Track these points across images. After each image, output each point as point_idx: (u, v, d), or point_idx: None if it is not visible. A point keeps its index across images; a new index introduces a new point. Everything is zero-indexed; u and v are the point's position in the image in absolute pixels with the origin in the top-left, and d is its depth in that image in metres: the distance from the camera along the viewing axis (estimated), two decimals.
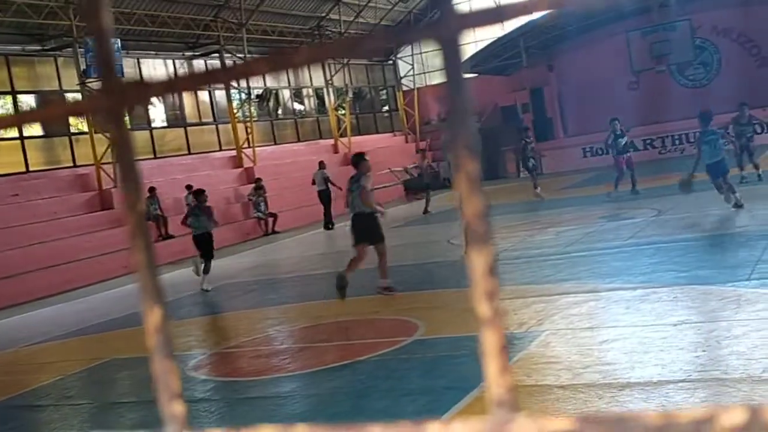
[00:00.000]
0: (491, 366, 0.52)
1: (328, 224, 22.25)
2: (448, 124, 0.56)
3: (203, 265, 13.92)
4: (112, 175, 21.46)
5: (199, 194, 14.30)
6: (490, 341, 0.53)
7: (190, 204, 22.13)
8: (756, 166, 17.35)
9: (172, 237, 20.88)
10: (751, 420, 0.46)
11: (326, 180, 22.43)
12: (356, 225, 10.73)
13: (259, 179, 23.97)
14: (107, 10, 0.61)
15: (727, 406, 0.47)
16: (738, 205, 13.33)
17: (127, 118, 0.65)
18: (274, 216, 23.54)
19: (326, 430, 0.56)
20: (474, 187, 0.53)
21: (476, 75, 32.84)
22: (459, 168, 0.54)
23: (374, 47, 0.56)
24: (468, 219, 0.53)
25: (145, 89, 0.63)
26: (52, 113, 0.69)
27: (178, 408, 0.61)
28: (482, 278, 0.53)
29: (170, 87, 0.63)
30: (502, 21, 0.53)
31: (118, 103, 0.61)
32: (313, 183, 22.84)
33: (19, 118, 0.69)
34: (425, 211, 22.08)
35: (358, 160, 11.06)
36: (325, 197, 22.35)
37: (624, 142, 18.92)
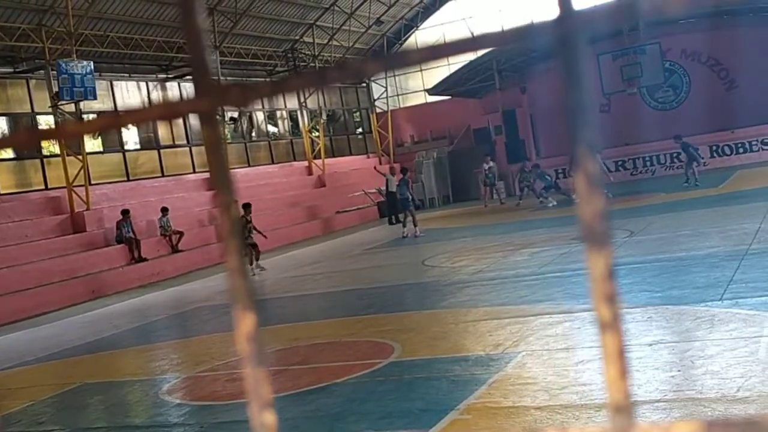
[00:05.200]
0: (610, 370, 0.50)
1: (398, 221, 25.26)
2: (567, 122, 0.54)
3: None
4: (83, 198, 21.26)
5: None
6: (609, 345, 0.50)
7: (163, 226, 21.99)
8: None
9: (145, 260, 20.68)
10: None
11: (389, 184, 26.21)
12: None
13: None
14: (201, 8, 0.60)
15: None
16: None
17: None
18: None
19: None
20: (594, 187, 0.51)
21: (449, 97, 33.01)
22: (579, 166, 0.52)
23: (492, 44, 0.55)
24: (587, 219, 0.50)
25: (248, 91, 0.62)
26: (148, 116, 0.68)
27: (269, 418, 0.59)
28: (601, 280, 0.50)
29: (277, 88, 0.62)
30: (630, 19, 0.52)
31: (214, 105, 0.61)
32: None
33: (116, 120, 0.68)
34: (404, 235, 21.89)
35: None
36: (392, 199, 25.60)
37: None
